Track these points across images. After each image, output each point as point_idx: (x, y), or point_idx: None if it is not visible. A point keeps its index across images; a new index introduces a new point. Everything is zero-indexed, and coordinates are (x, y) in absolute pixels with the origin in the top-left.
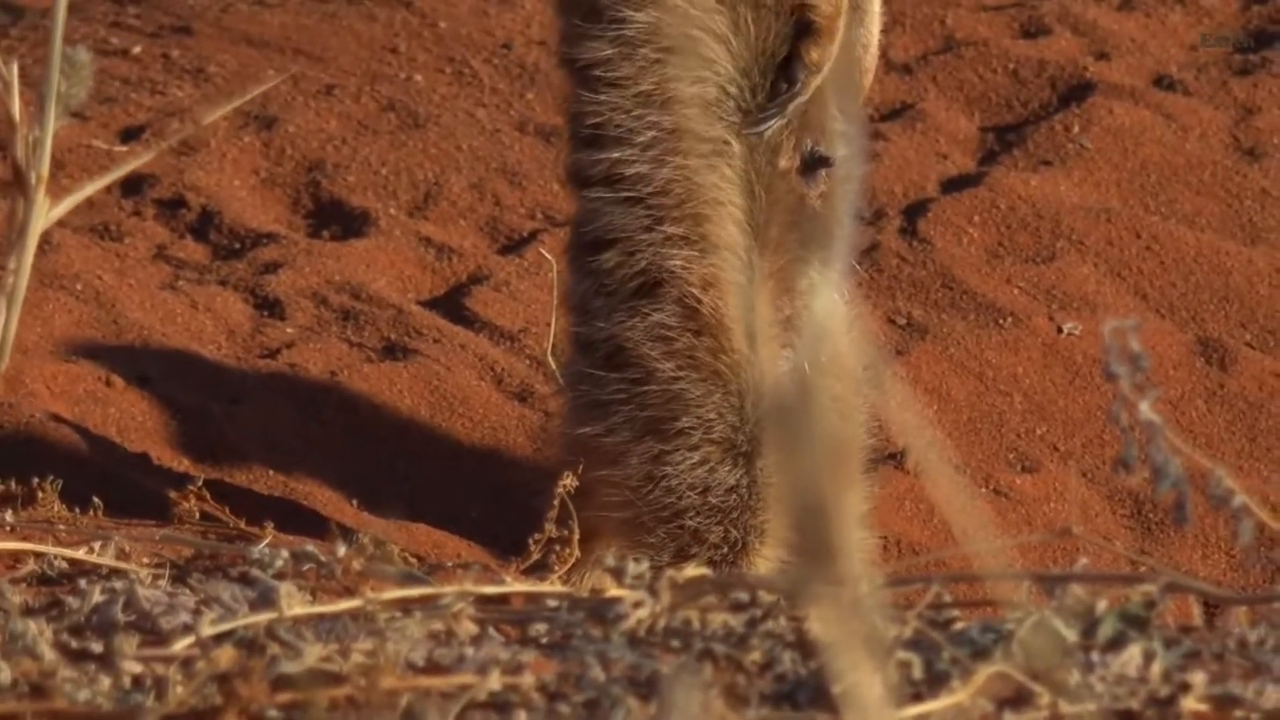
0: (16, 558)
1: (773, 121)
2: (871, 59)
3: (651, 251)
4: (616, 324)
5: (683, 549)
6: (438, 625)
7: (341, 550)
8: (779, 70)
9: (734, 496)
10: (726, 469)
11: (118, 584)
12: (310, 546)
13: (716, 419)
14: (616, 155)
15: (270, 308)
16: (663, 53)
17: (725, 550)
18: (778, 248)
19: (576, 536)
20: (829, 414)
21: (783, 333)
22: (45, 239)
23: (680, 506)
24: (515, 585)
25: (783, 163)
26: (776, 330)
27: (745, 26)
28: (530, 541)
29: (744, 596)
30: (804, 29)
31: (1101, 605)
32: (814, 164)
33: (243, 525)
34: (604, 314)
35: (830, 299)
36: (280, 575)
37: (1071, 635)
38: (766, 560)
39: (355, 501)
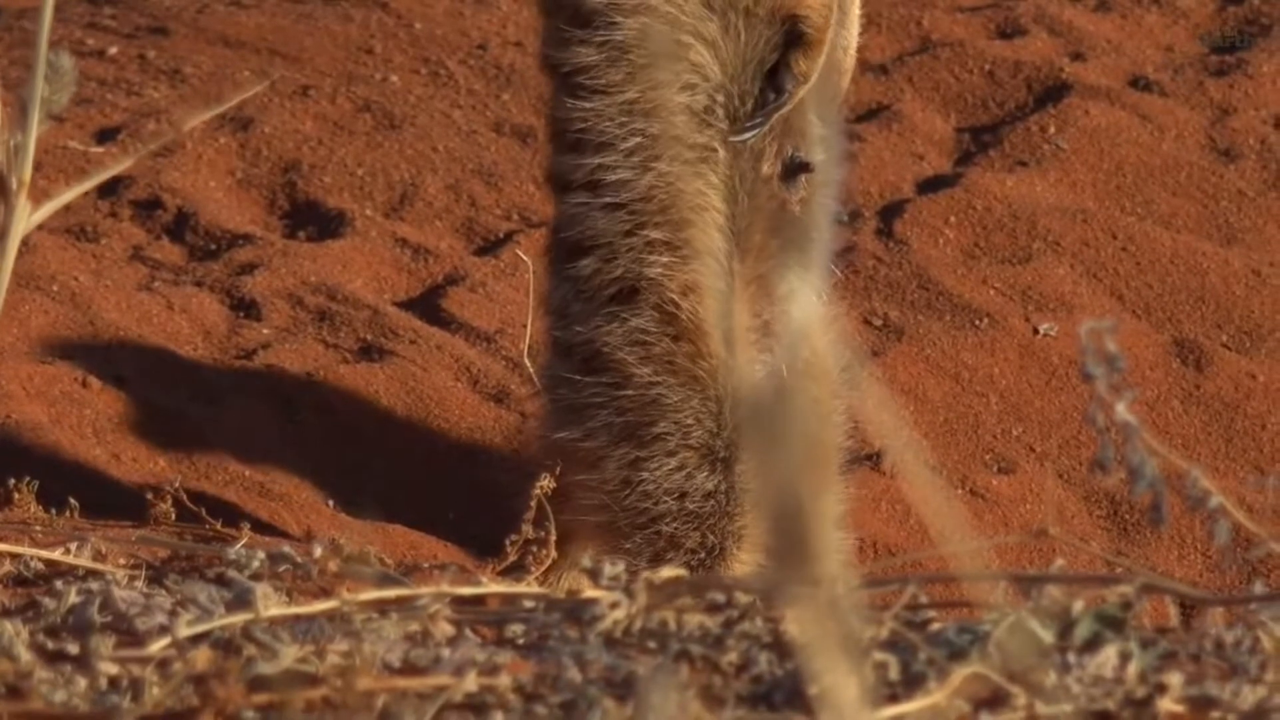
0: None
1: (758, 130)
2: (850, 61)
3: (630, 257)
4: (594, 328)
5: (659, 554)
6: (414, 626)
7: (318, 551)
8: (766, 79)
9: (711, 502)
10: (704, 474)
11: (94, 585)
12: (287, 547)
13: (694, 424)
14: (599, 160)
15: (246, 309)
16: (652, 59)
17: (702, 555)
18: (759, 253)
19: (553, 538)
20: (807, 416)
21: (761, 338)
22: (22, 240)
23: (657, 512)
24: (492, 586)
25: (765, 168)
26: (755, 335)
27: (735, 32)
28: (507, 543)
29: (720, 597)
30: (794, 39)
31: (1078, 606)
32: (795, 169)
33: (219, 526)
34: (582, 318)
35: (809, 302)
36: (257, 576)
37: (1048, 636)
38: (744, 565)
39: (332, 502)
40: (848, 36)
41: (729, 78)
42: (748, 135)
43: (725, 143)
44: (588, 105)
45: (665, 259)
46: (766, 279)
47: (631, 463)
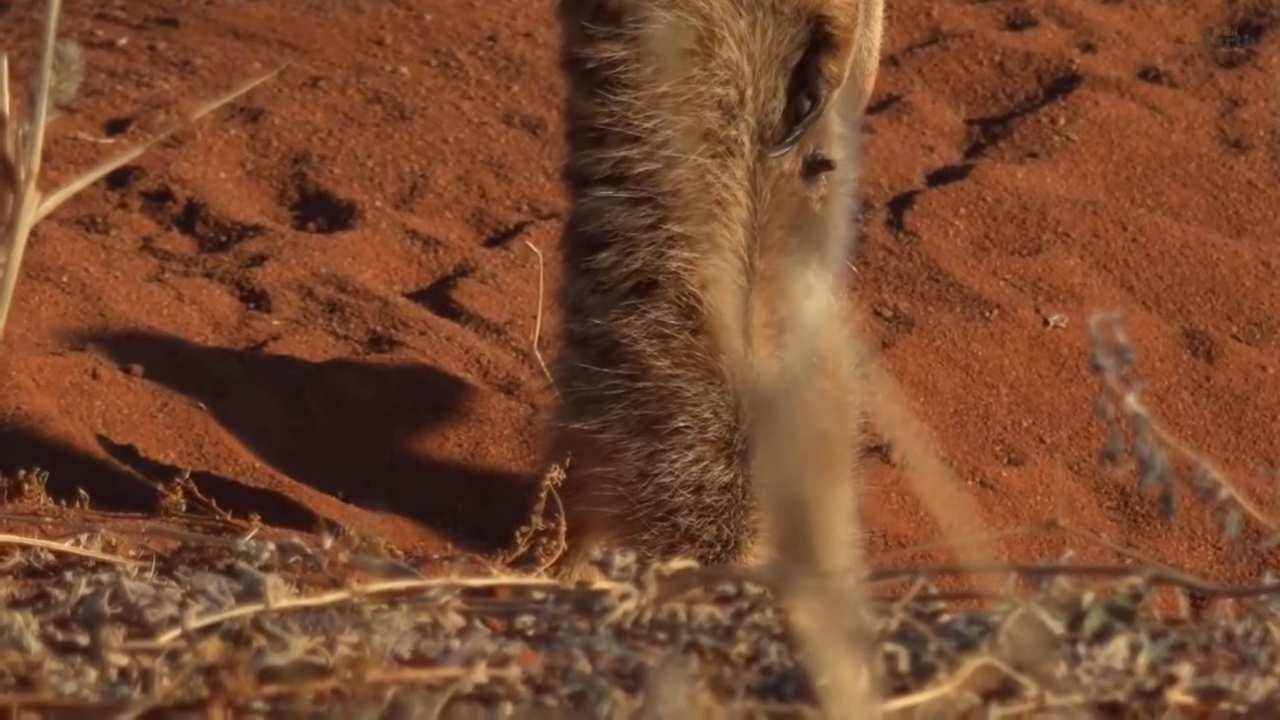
0: (3, 550)
1: (797, 141)
2: (874, 63)
3: (650, 251)
4: (612, 321)
5: (674, 547)
6: (424, 618)
7: (328, 542)
8: (799, 86)
9: (728, 496)
10: (720, 468)
11: (104, 576)
12: (297, 539)
13: (712, 418)
14: (624, 154)
15: (256, 300)
16: (683, 54)
17: (718, 549)
18: (778, 249)
19: (564, 529)
20: (819, 410)
21: (779, 333)
22: (31, 231)
23: (673, 505)
24: (502, 578)
25: (787, 165)
26: (773, 331)
27: (762, 29)
28: (517, 534)
29: (730, 589)
30: (822, 42)
31: (1088, 597)
32: (816, 167)
33: (229, 518)
34: (599, 311)
35: (825, 298)
36: (266, 568)
37: (1058, 627)
38: (759, 559)
39: (341, 494)
40: (872, 38)
41: (756, 73)
42: (787, 147)
43: (752, 137)
44: (617, 99)
45: (686, 253)
46: (785, 275)
47: (648, 456)
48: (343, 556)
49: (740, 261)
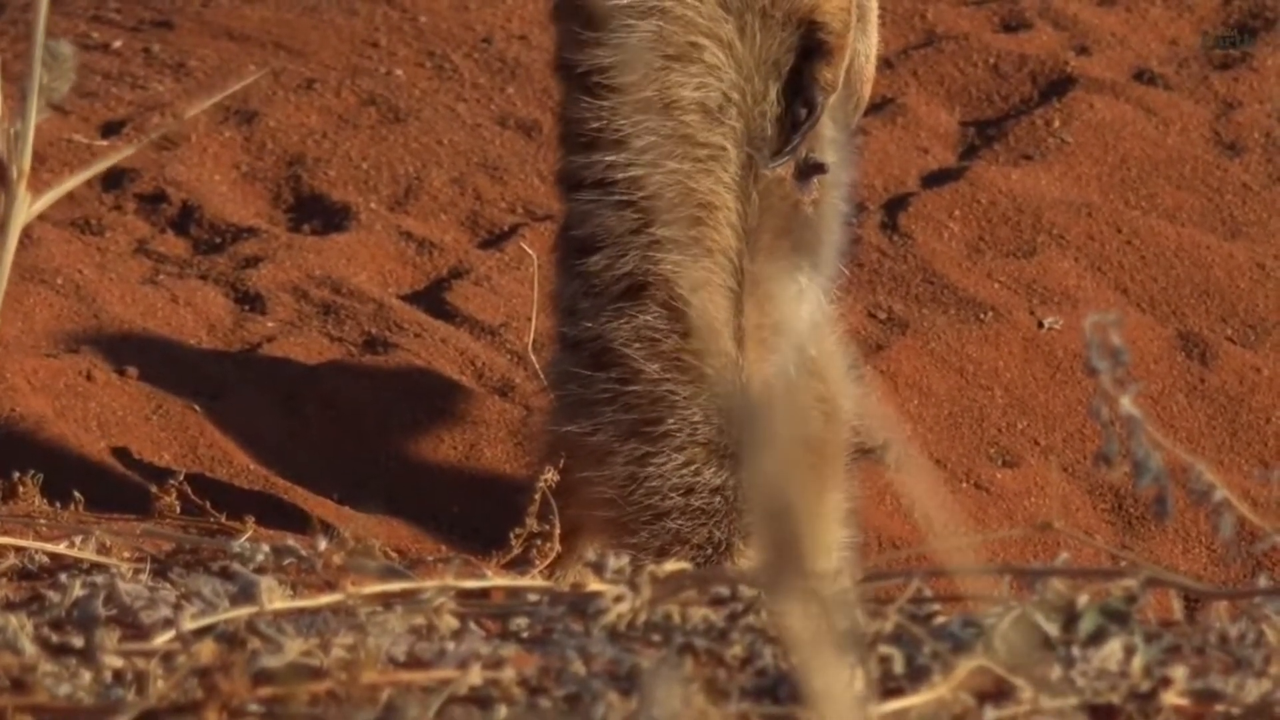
0: None
1: (794, 152)
2: (871, 69)
3: (638, 255)
4: (603, 324)
5: (666, 550)
6: (419, 620)
7: (323, 545)
8: (793, 94)
9: (718, 499)
10: (711, 471)
11: (99, 578)
12: (291, 541)
13: (702, 421)
14: (611, 159)
15: (251, 302)
16: (666, 60)
17: (709, 551)
18: (769, 253)
19: (558, 531)
20: (811, 414)
21: (771, 336)
22: (26, 233)
23: (664, 508)
24: (496, 580)
25: (778, 169)
26: (764, 334)
27: (752, 34)
28: (511, 536)
29: (725, 591)
30: (815, 49)
31: (1082, 600)
32: (809, 171)
33: (224, 520)
34: (591, 314)
35: (817, 302)
36: (261, 569)
37: (1052, 630)
38: (751, 561)
39: (336, 496)
40: (869, 44)
41: (744, 78)
42: (785, 158)
43: (738, 141)
44: (602, 104)
45: (675, 256)
46: (777, 278)
47: (639, 458)
48: (337, 559)
49: (731, 265)
